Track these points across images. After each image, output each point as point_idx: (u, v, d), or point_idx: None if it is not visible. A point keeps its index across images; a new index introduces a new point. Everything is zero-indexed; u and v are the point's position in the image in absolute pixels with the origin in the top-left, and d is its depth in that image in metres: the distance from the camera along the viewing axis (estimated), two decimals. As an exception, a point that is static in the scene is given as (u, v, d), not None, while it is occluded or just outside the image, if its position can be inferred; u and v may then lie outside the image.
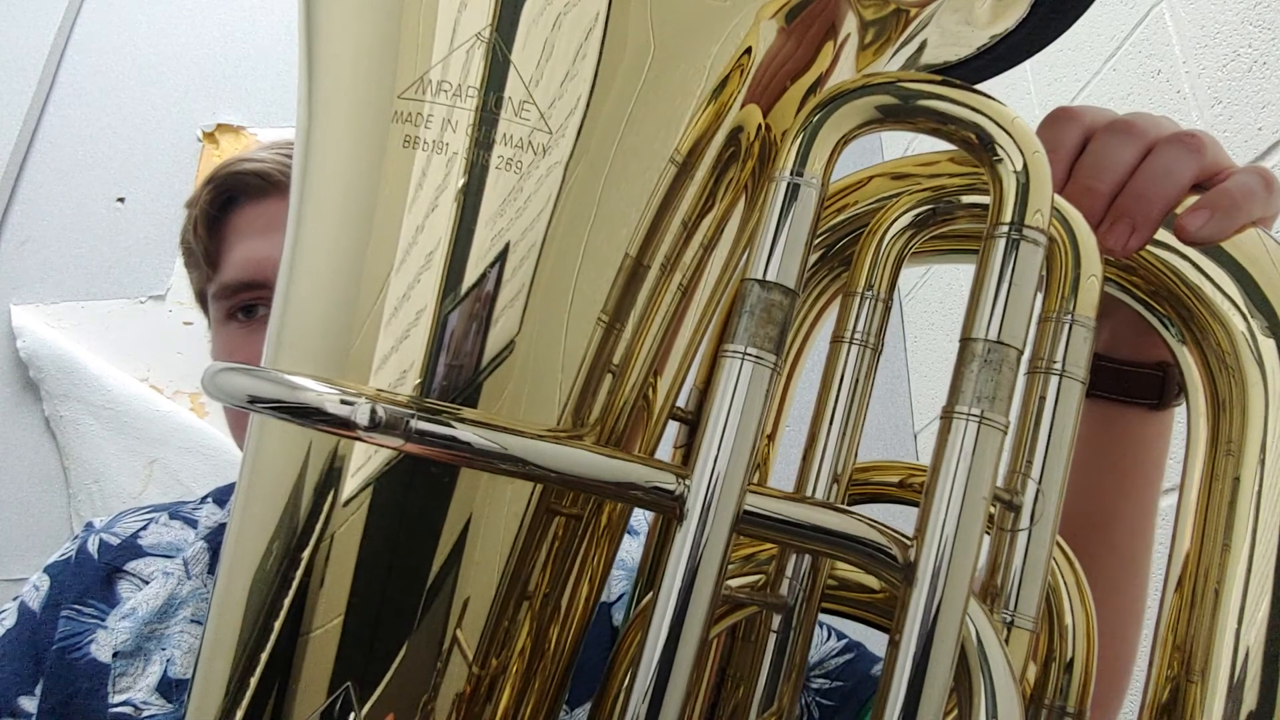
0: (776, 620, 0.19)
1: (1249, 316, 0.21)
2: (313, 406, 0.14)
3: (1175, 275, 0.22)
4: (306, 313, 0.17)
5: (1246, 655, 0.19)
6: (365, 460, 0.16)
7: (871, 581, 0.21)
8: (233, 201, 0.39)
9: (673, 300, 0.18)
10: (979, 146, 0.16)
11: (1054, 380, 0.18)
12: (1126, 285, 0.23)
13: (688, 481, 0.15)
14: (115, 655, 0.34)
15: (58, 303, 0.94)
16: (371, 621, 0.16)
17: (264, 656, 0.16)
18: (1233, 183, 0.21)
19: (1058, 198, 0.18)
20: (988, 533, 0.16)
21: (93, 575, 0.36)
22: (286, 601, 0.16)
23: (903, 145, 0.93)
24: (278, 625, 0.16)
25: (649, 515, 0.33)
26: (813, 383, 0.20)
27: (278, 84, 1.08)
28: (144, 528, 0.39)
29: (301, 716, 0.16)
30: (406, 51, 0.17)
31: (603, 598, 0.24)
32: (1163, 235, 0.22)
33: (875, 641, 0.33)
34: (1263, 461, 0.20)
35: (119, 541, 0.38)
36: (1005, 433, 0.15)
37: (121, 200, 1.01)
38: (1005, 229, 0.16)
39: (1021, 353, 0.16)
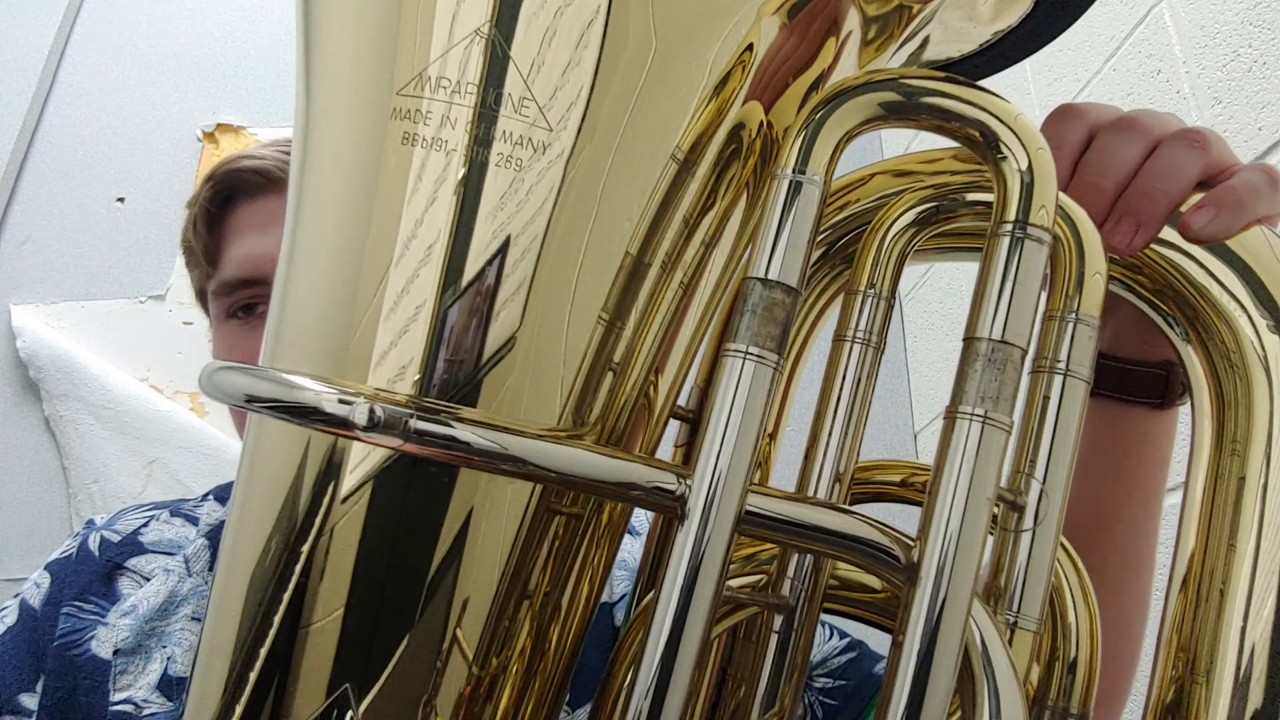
0: (778, 620, 0.19)
1: (1254, 315, 0.21)
2: (310, 406, 0.14)
3: (1180, 273, 0.22)
4: (305, 311, 0.17)
5: (1252, 652, 0.19)
6: (364, 457, 0.16)
7: (873, 581, 0.21)
8: (232, 199, 0.39)
9: (674, 298, 0.18)
10: (983, 144, 0.16)
11: (1058, 379, 0.18)
12: (1131, 284, 0.23)
13: (689, 481, 0.15)
14: (116, 653, 0.34)
15: (58, 303, 0.94)
16: (371, 620, 0.16)
17: (262, 655, 0.16)
18: (1238, 180, 0.21)
19: (1062, 195, 0.18)
20: (991, 533, 0.15)
21: (93, 572, 0.36)
22: (285, 600, 0.16)
23: (903, 144, 0.93)
24: (276, 623, 0.16)
25: (650, 515, 0.32)
26: (814, 381, 0.20)
27: (278, 84, 1.08)
28: (145, 525, 0.39)
29: (300, 715, 0.15)
30: (405, 48, 0.17)
31: (604, 598, 0.24)
32: (1168, 233, 0.22)
33: (877, 640, 0.33)
34: (1268, 460, 0.20)
35: (120, 538, 0.38)
36: (1009, 433, 0.15)
37: (121, 200, 1.01)
38: (1009, 227, 0.16)
39: (1026, 352, 0.16)
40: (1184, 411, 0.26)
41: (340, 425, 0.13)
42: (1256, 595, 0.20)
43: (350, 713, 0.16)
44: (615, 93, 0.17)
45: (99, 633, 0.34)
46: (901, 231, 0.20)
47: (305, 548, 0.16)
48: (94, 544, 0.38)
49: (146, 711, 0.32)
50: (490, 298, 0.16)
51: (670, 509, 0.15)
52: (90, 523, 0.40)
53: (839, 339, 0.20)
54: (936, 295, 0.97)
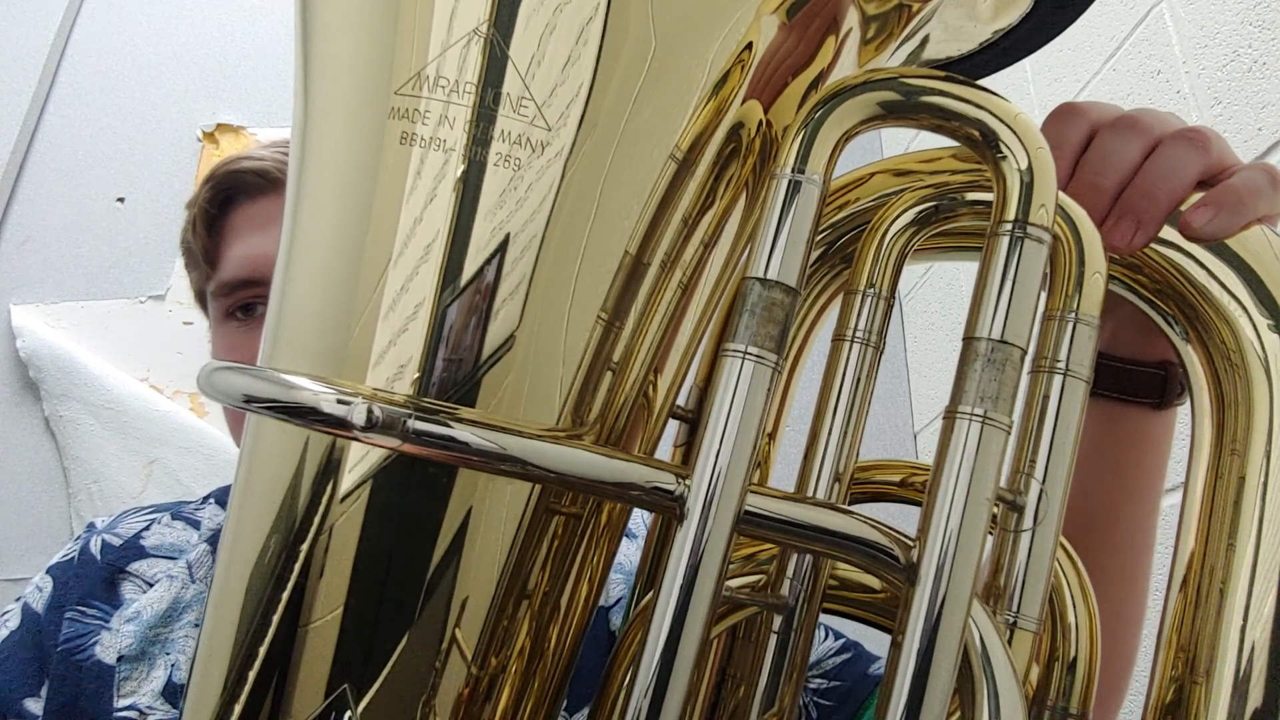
0: (777, 620, 0.19)
1: (1254, 314, 0.21)
2: (308, 406, 0.14)
3: (1180, 273, 0.22)
4: (303, 311, 0.17)
5: (1252, 651, 0.19)
6: (363, 457, 0.16)
7: (872, 581, 0.21)
8: (232, 200, 0.39)
9: (673, 297, 0.18)
10: (982, 143, 0.16)
11: (1058, 379, 0.18)
12: (1131, 283, 0.22)
13: (688, 482, 0.15)
14: (120, 659, 0.34)
15: (58, 303, 0.94)
16: (370, 620, 0.16)
17: (260, 654, 0.16)
18: (1238, 179, 0.21)
19: (1062, 195, 0.18)
20: (991, 532, 0.15)
21: (95, 576, 0.36)
22: (283, 599, 0.16)
23: (903, 143, 0.93)
24: (274, 623, 0.16)
25: (647, 518, 0.32)
26: (813, 381, 0.20)
27: (278, 84, 1.08)
28: (146, 528, 0.39)
29: (298, 715, 0.15)
30: (403, 47, 0.16)
31: (600, 602, 0.24)
32: (1168, 233, 0.22)
33: (872, 640, 0.33)
34: (1268, 460, 0.20)
35: (121, 542, 0.38)
36: (1009, 433, 0.15)
37: (121, 200, 1.01)
38: (1009, 227, 0.16)
39: (1025, 352, 0.16)
40: (1182, 411, 0.26)
41: (338, 425, 0.13)
42: (1256, 594, 0.20)
43: (349, 713, 0.16)
44: (614, 92, 0.17)
45: (103, 638, 0.34)
46: (901, 231, 0.20)
47: (304, 547, 0.16)
48: (95, 548, 0.38)
49: (151, 718, 0.32)
50: (489, 297, 0.16)
51: (669, 509, 0.15)
52: (91, 526, 0.40)
53: (838, 339, 0.20)
54: (936, 295, 0.97)
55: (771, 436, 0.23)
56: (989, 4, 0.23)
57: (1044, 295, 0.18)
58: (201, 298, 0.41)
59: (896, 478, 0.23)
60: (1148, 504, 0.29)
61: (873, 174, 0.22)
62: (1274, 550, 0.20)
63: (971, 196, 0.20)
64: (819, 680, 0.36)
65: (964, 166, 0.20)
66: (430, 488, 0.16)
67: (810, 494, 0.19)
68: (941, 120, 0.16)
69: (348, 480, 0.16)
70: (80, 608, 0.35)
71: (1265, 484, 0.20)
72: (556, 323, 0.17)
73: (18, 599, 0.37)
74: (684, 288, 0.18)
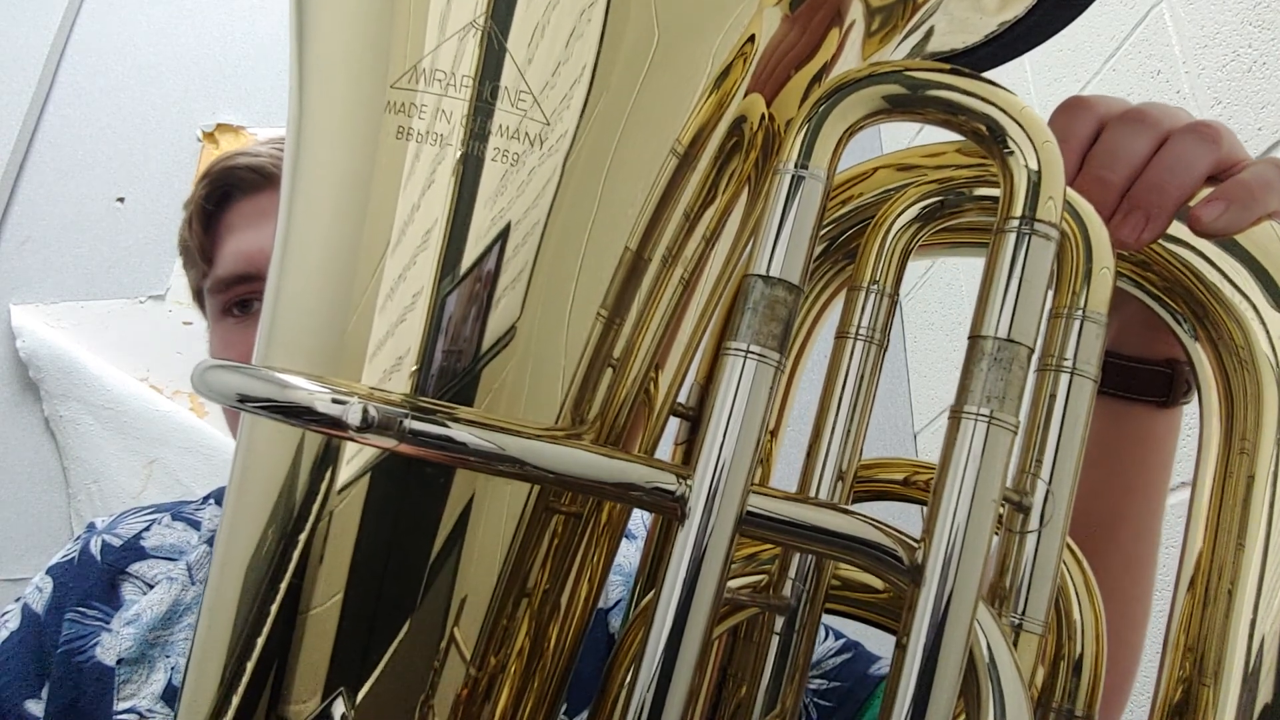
0: (779, 621, 0.19)
1: (1264, 311, 0.20)
2: (303, 406, 0.13)
3: (1189, 270, 0.21)
4: (299, 307, 0.17)
5: (1262, 645, 0.19)
6: (359, 454, 0.16)
7: (875, 582, 0.21)
8: (228, 197, 0.38)
9: (674, 294, 0.18)
10: (989, 138, 0.16)
11: (1064, 378, 0.18)
12: (1140, 280, 0.22)
13: (689, 482, 0.14)
14: (120, 662, 0.34)
15: (58, 303, 0.94)
16: (367, 618, 0.16)
17: (255, 654, 0.16)
18: (1249, 174, 0.21)
19: (1069, 190, 0.18)
20: (996, 533, 0.15)
21: (96, 577, 0.36)
22: (278, 600, 0.16)
23: (902, 140, 0.93)
24: (269, 624, 0.16)
25: (647, 519, 0.32)
26: (816, 378, 0.19)
27: (277, 84, 1.08)
28: (146, 529, 0.39)
29: (295, 713, 0.15)
30: (399, 39, 0.16)
31: (600, 603, 0.24)
32: (1177, 230, 0.21)
33: (873, 640, 0.32)
34: (1278, 459, 0.20)
35: (121, 543, 0.38)
36: (1015, 433, 0.15)
37: (121, 200, 1.01)
38: (1015, 223, 0.16)
39: (1033, 351, 0.15)
40: (1188, 410, 0.26)
41: (334, 425, 0.13)
42: (1267, 588, 0.19)
43: (346, 711, 0.15)
44: (614, 86, 0.16)
45: (103, 639, 0.34)
46: (905, 227, 0.20)
47: (299, 546, 0.16)
48: (95, 548, 0.38)
49: None
50: (488, 294, 0.16)
51: (670, 509, 0.15)
52: (91, 526, 0.40)
53: (841, 336, 0.20)
54: (936, 295, 0.97)
55: (774, 434, 0.23)
56: (994, -4, 0.22)
57: (1051, 292, 0.18)
58: (199, 296, 0.40)
59: (899, 476, 0.23)
60: (1153, 503, 0.28)
61: (876, 169, 0.22)
62: (1284, 550, 0.19)
63: (977, 192, 0.20)
64: (819, 680, 0.36)
65: (969, 161, 0.20)
66: (428, 485, 0.16)
67: (813, 492, 0.19)
68: (948, 115, 0.16)
69: (344, 477, 0.16)
70: (80, 609, 0.35)
71: (1275, 483, 0.20)
72: (556, 319, 0.16)
73: (17, 599, 0.37)
74: (685, 284, 0.18)
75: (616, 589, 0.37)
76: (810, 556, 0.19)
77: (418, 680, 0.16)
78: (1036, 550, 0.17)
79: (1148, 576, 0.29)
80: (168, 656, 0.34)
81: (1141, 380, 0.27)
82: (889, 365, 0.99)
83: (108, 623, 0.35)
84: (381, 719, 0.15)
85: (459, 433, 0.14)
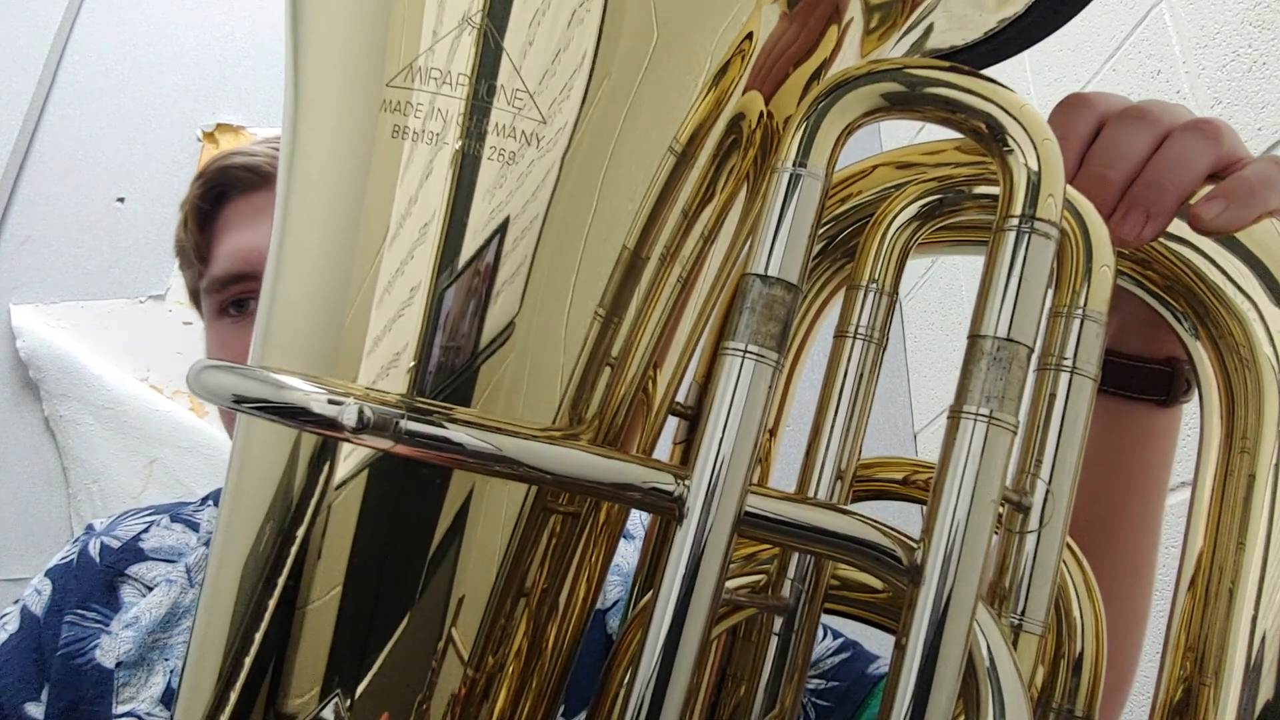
0: (778, 622, 0.19)
1: (1265, 309, 0.20)
2: (299, 407, 0.13)
3: (1189, 268, 0.21)
4: (295, 307, 0.17)
5: (1263, 644, 0.19)
6: (357, 453, 0.16)
7: (874, 581, 0.21)
8: (224, 196, 0.38)
9: (672, 292, 0.18)
10: (989, 136, 0.16)
11: (1064, 377, 0.18)
12: (1140, 279, 0.22)
13: (687, 482, 0.14)
14: (119, 665, 0.33)
15: (58, 303, 0.94)
16: (364, 618, 0.16)
17: (251, 654, 0.16)
18: (1250, 171, 0.21)
19: (1069, 188, 0.18)
20: (996, 532, 0.15)
21: (94, 579, 0.36)
22: (274, 600, 0.16)
23: (901, 138, 0.93)
24: (265, 625, 0.16)
25: (645, 519, 0.32)
26: (815, 378, 0.19)
27: (277, 84, 1.08)
28: (145, 530, 0.38)
29: (291, 712, 0.15)
30: (395, 37, 0.16)
31: (597, 604, 0.24)
32: (1178, 228, 0.21)
33: (872, 639, 0.32)
34: (1279, 457, 0.20)
35: (120, 544, 0.38)
36: (1015, 433, 0.15)
37: (121, 200, 1.01)
38: (1015, 221, 0.16)
39: (1032, 350, 0.15)
40: (1188, 409, 0.25)
41: (329, 426, 0.13)
42: (1268, 587, 0.19)
43: (343, 712, 0.15)
44: (611, 83, 0.16)
45: (103, 642, 0.34)
46: (904, 225, 0.20)
47: (295, 546, 0.16)
48: (94, 550, 0.37)
49: None
50: (485, 293, 0.16)
51: (668, 510, 0.15)
52: (90, 528, 0.39)
53: (840, 335, 0.19)
54: (936, 295, 0.97)
55: (773, 433, 0.23)
56: (995, -8, 0.22)
57: (1050, 291, 0.18)
58: (196, 297, 0.40)
59: (899, 475, 0.23)
60: (1152, 502, 0.28)
61: (875, 166, 0.22)
62: (1285, 549, 0.19)
63: (977, 190, 0.20)
64: (817, 680, 0.36)
65: (968, 159, 0.20)
66: (426, 484, 0.16)
67: (812, 492, 0.19)
68: (947, 113, 0.16)
69: (341, 475, 0.16)
70: (80, 611, 0.35)
71: (1276, 482, 0.20)
72: (554, 317, 0.16)
73: (16, 601, 0.37)
74: (684, 282, 0.18)
75: (614, 589, 0.37)
76: (809, 556, 0.19)
77: (415, 680, 0.16)
78: (1036, 550, 0.17)
79: (1147, 576, 0.28)
80: (166, 660, 0.34)
81: (1141, 379, 0.26)
82: (889, 365, 0.99)
83: (107, 625, 0.35)
84: (379, 716, 0.15)
85: (455, 433, 0.14)
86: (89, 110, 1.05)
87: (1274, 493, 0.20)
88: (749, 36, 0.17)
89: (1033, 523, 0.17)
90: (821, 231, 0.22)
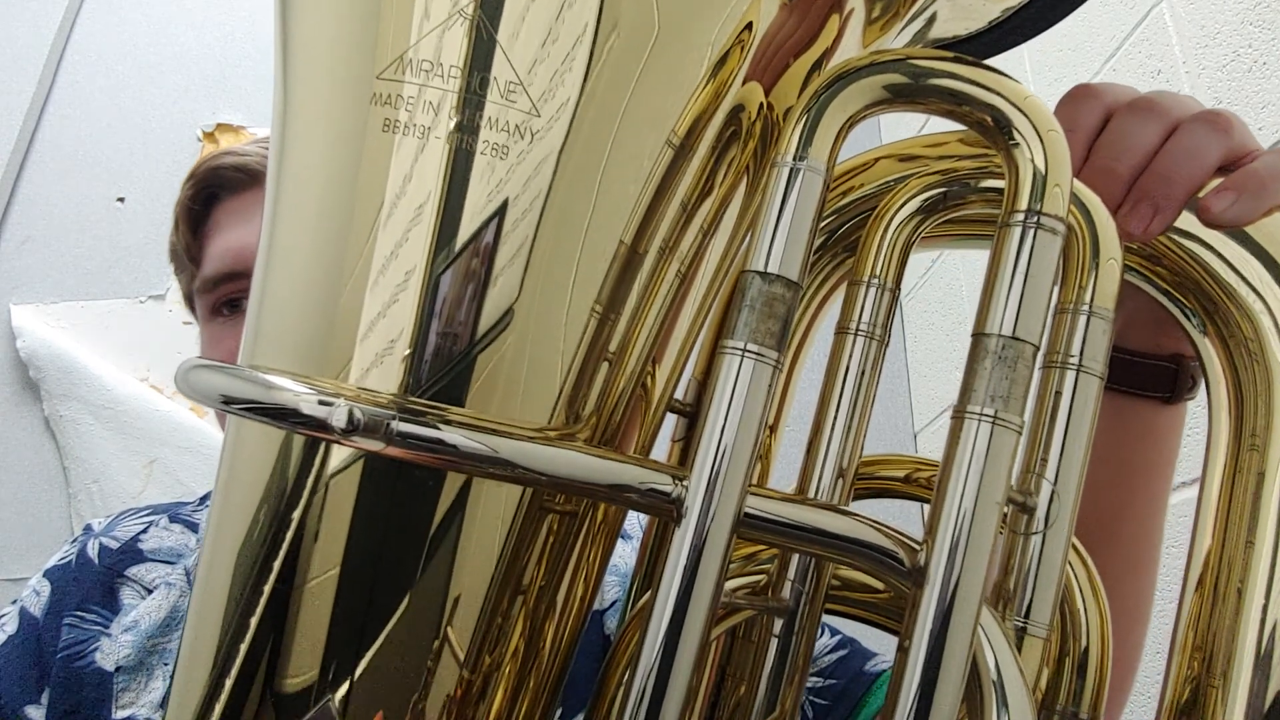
0: (778, 623, 0.19)
1: (1275, 303, 0.20)
2: (288, 408, 0.13)
3: (1198, 264, 0.21)
4: (285, 303, 0.17)
5: (1272, 644, 0.18)
6: (349, 450, 0.15)
7: (876, 582, 0.21)
8: (215, 197, 0.38)
9: (671, 288, 0.17)
10: (994, 129, 0.16)
11: (1070, 375, 0.18)
12: (1149, 275, 0.22)
13: (685, 483, 0.14)
14: (118, 669, 0.33)
15: (58, 303, 0.94)
16: (358, 618, 0.15)
17: (242, 654, 0.15)
18: (1260, 164, 0.20)
19: (1075, 181, 0.18)
20: (1000, 532, 0.15)
21: (93, 581, 0.36)
22: (265, 598, 0.15)
23: (908, 131, 0.92)
24: (255, 624, 0.15)
25: (643, 519, 0.32)
26: (815, 374, 0.19)
27: (277, 82, 1.07)
28: (144, 531, 0.38)
29: (286, 711, 0.15)
30: (386, 28, 0.16)
31: (595, 605, 0.24)
32: (1189, 223, 0.21)
33: (871, 639, 0.32)
34: (1289, 456, 0.19)
35: (119, 545, 0.37)
36: (1020, 434, 0.14)
37: (121, 200, 1.01)
38: (1021, 217, 0.15)
39: (1038, 349, 0.15)
40: (1195, 406, 0.25)
41: (319, 428, 0.13)
42: (1277, 586, 0.19)
43: (338, 712, 0.15)
44: (608, 75, 0.16)
45: (103, 644, 0.34)
46: (907, 219, 0.19)
47: (283, 549, 0.15)
48: (93, 551, 0.37)
49: None
50: (480, 288, 0.16)
51: (666, 511, 0.14)
52: (88, 528, 0.39)
53: (841, 331, 0.19)
54: (937, 294, 0.96)
55: (773, 430, 0.23)
56: (1000, -20, 0.22)
57: (1056, 287, 0.17)
58: (190, 301, 0.40)
59: (900, 473, 0.23)
60: (1155, 500, 0.28)
61: (877, 159, 0.21)
62: (1295, 547, 0.19)
63: (981, 184, 0.19)
64: (814, 678, 0.36)
65: (972, 151, 0.20)
66: (421, 481, 0.16)
67: (813, 490, 0.19)
68: (951, 105, 0.16)
69: (334, 470, 0.15)
70: (79, 613, 0.35)
71: (1286, 481, 0.19)
72: (551, 313, 0.16)
73: (14, 601, 0.37)
74: (682, 277, 0.18)
75: (612, 590, 0.36)
76: (810, 557, 0.18)
77: (410, 680, 0.16)
78: (1041, 552, 0.17)
79: (1150, 574, 0.28)
80: (166, 664, 0.34)
81: (1146, 375, 0.26)
82: (889, 365, 0.98)
83: (107, 627, 0.35)
84: (374, 717, 0.15)
85: (449, 435, 0.13)
86: (89, 110, 1.05)
87: (1284, 491, 0.19)
88: (749, 26, 0.17)
89: (1038, 524, 0.17)
90: (822, 225, 0.22)
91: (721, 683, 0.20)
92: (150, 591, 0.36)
